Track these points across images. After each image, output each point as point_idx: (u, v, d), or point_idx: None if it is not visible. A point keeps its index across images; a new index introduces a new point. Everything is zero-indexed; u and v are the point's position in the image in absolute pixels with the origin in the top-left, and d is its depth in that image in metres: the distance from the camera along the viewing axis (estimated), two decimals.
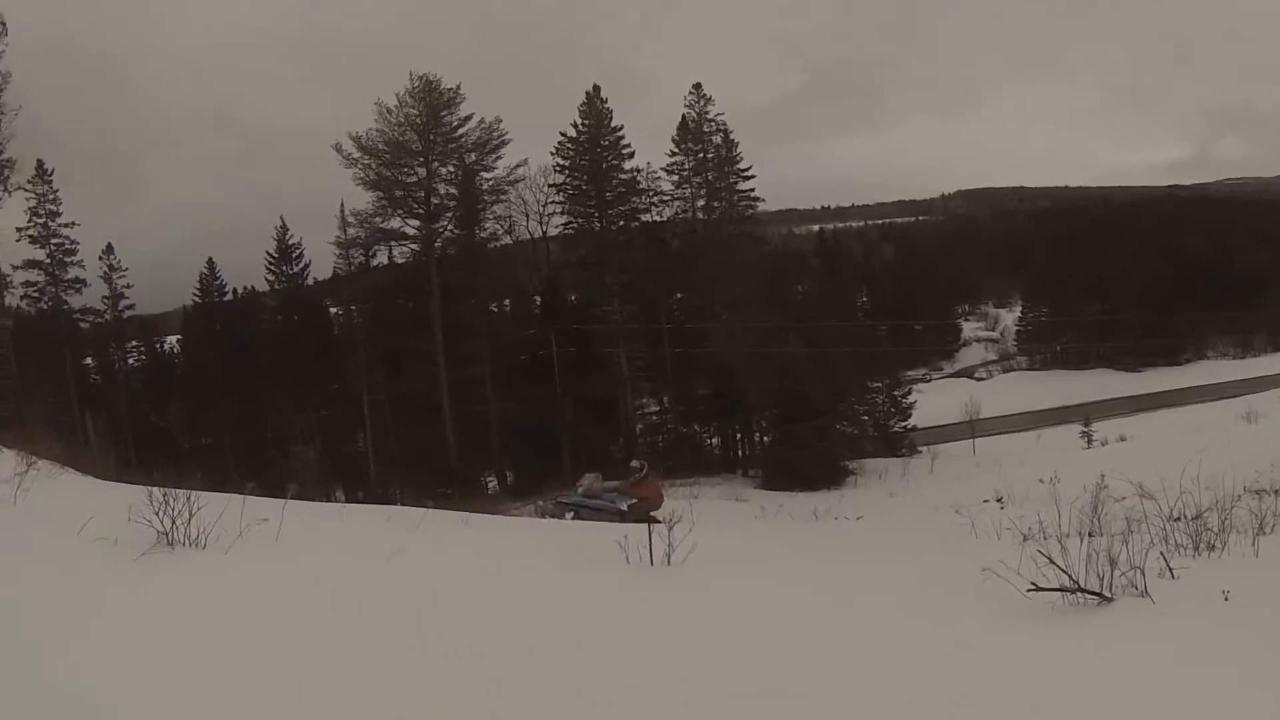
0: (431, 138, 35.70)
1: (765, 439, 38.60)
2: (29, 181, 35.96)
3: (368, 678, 3.19)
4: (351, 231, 35.69)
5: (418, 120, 35.67)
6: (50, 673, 3.04)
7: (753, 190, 39.46)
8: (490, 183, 36.24)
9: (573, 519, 13.03)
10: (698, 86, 39.40)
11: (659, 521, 13.66)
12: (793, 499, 29.20)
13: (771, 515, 21.12)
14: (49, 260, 35.36)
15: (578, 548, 6.60)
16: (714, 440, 39.12)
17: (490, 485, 37.19)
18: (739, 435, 39.14)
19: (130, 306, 36.88)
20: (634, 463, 15.36)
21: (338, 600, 4.45)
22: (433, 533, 7.66)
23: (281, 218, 37.41)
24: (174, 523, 5.01)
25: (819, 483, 32.37)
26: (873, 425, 39.85)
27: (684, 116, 38.76)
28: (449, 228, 35.91)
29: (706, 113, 39.36)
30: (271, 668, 3.24)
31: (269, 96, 64.35)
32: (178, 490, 5.24)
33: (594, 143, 37.71)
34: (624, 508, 13.60)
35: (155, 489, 5.25)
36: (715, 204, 39.06)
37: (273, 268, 37.47)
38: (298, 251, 37.25)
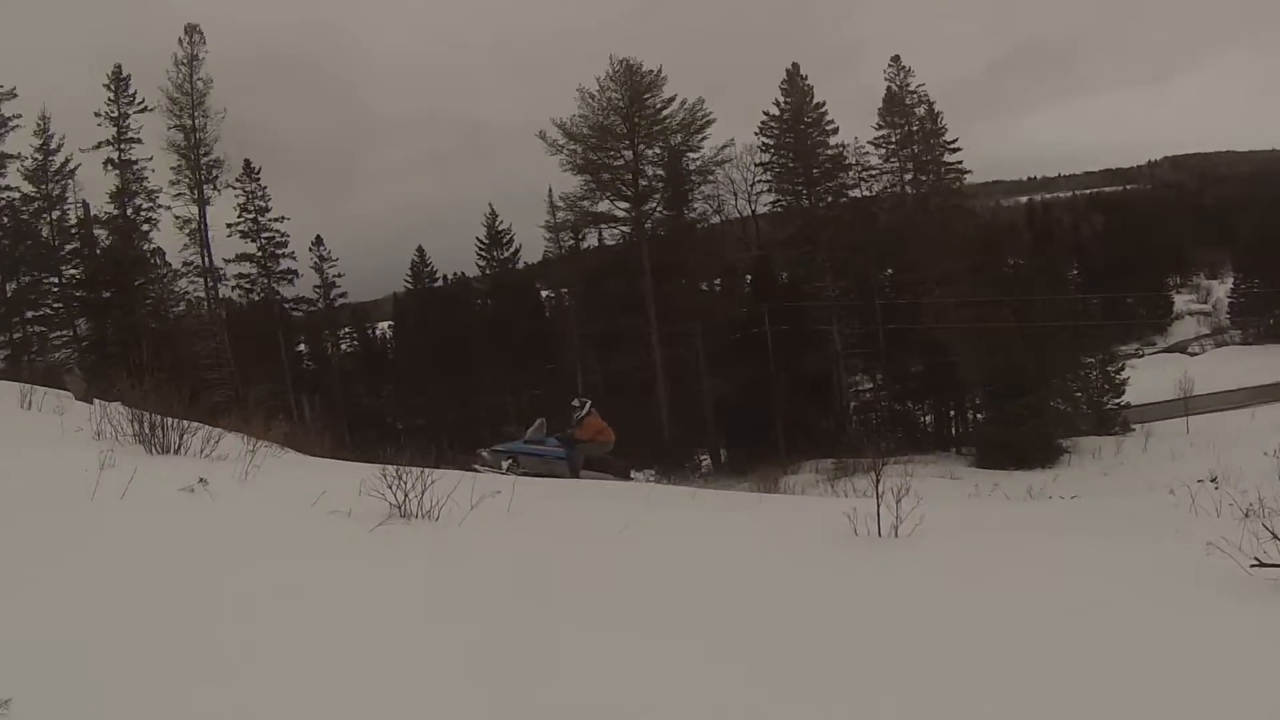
0: (635, 120, 35.94)
1: (979, 416, 36.81)
2: (238, 180, 37.74)
3: (595, 647, 3.22)
4: (561, 215, 36.35)
5: (620, 104, 36.05)
6: (307, 638, 3.10)
7: (960, 162, 38.51)
8: (697, 163, 36.17)
9: (509, 467, 11.68)
10: (896, 59, 38.92)
11: (615, 469, 11.84)
12: (1007, 478, 28.15)
13: (986, 494, 20.38)
14: (260, 253, 36.99)
15: (802, 521, 6.75)
16: (928, 418, 37.58)
17: (703, 463, 36.68)
18: (952, 412, 37.58)
19: (342, 295, 38.32)
20: (574, 401, 13.29)
21: (567, 571, 4.53)
22: (661, 507, 7.72)
23: (490, 204, 38.58)
24: (406, 496, 5.13)
25: (1032, 461, 31.24)
26: (1086, 402, 37.66)
27: (887, 89, 37.91)
28: (658, 209, 35.99)
29: (907, 85, 38.57)
30: (503, 634, 3.30)
31: (476, 94, 66.78)
32: (410, 466, 5.44)
33: (797, 120, 37.56)
34: (561, 452, 11.97)
35: (389, 465, 5.48)
36: (923, 177, 38.14)
37: (483, 253, 38.41)
38: (508, 237, 37.99)
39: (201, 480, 5.59)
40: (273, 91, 62.44)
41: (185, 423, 8.17)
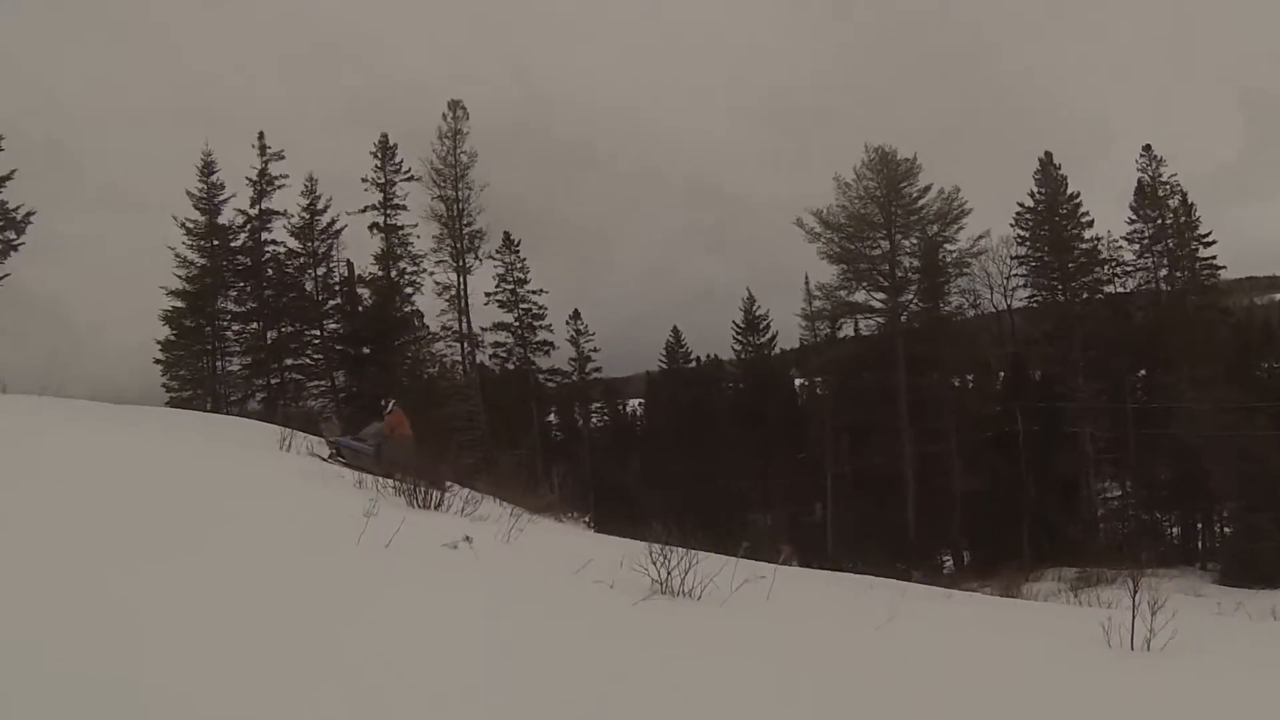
0: (892, 210, 36.33)
1: (1226, 530, 36.12)
2: (497, 251, 39.24)
3: None
4: (817, 304, 37.04)
5: (877, 193, 36.68)
6: (576, 708, 3.22)
7: (1214, 258, 38.12)
8: (953, 255, 36.42)
9: (332, 455, 13.57)
10: (1147, 148, 39.45)
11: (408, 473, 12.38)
12: (1252, 596, 27.76)
13: (1229, 613, 19.88)
14: (517, 324, 38.45)
15: (1055, 628, 7.03)
16: (1174, 529, 36.91)
17: (946, 563, 36.78)
18: (1199, 524, 36.75)
19: (597, 369, 39.49)
20: (383, 401, 16.14)
21: (832, 661, 4.66)
22: (917, 604, 7.97)
23: (748, 289, 40.22)
24: (669, 574, 5.39)
25: (1278, 579, 30.05)
26: None
27: (1139, 181, 37.70)
28: (913, 301, 36.23)
29: (1159, 175, 38.53)
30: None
31: (737, 170, 68.30)
32: (672, 545, 5.70)
33: (1051, 211, 38.06)
34: (371, 447, 13.70)
35: (652, 542, 5.70)
36: (1177, 273, 37.38)
37: (739, 337, 39.33)
38: (764, 323, 38.86)
39: (466, 538, 5.78)
40: (537, 165, 66.23)
41: (447, 482, 8.72)
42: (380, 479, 9.70)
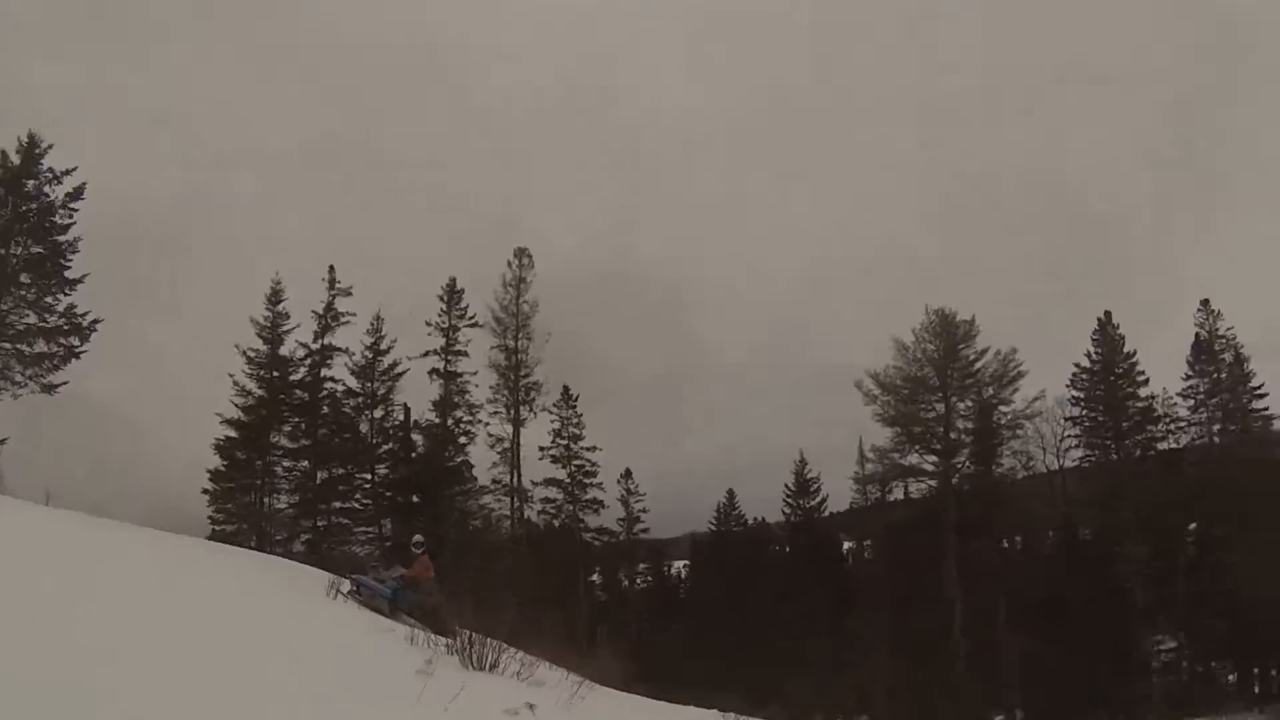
0: (949, 373, 36.63)
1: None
2: (555, 404, 39.43)
3: None
4: (870, 467, 37.47)
5: (935, 355, 36.90)
6: None
7: (1266, 409, 38.36)
8: (1007, 417, 36.76)
9: (350, 592, 14.00)
10: (1205, 303, 40.47)
11: (437, 625, 12.76)
12: None
13: None
14: (569, 480, 38.67)
15: None
16: (1231, 677, 37.70)
17: None
18: (1255, 670, 37.51)
19: (644, 530, 39.71)
20: (416, 537, 16.71)
21: None
22: None
23: (801, 452, 39.93)
24: None
25: None
26: None
27: (1196, 336, 37.89)
28: (965, 463, 36.67)
29: (1217, 330, 38.41)
30: None
31: (799, 329, 68.05)
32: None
33: (1107, 371, 37.96)
34: (388, 591, 14.17)
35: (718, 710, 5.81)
36: (1231, 427, 37.74)
37: (790, 500, 39.80)
38: (816, 485, 39.39)
39: (529, 705, 5.88)
40: (604, 317, 67.51)
41: (500, 643, 8.79)
42: (434, 636, 10.24)
